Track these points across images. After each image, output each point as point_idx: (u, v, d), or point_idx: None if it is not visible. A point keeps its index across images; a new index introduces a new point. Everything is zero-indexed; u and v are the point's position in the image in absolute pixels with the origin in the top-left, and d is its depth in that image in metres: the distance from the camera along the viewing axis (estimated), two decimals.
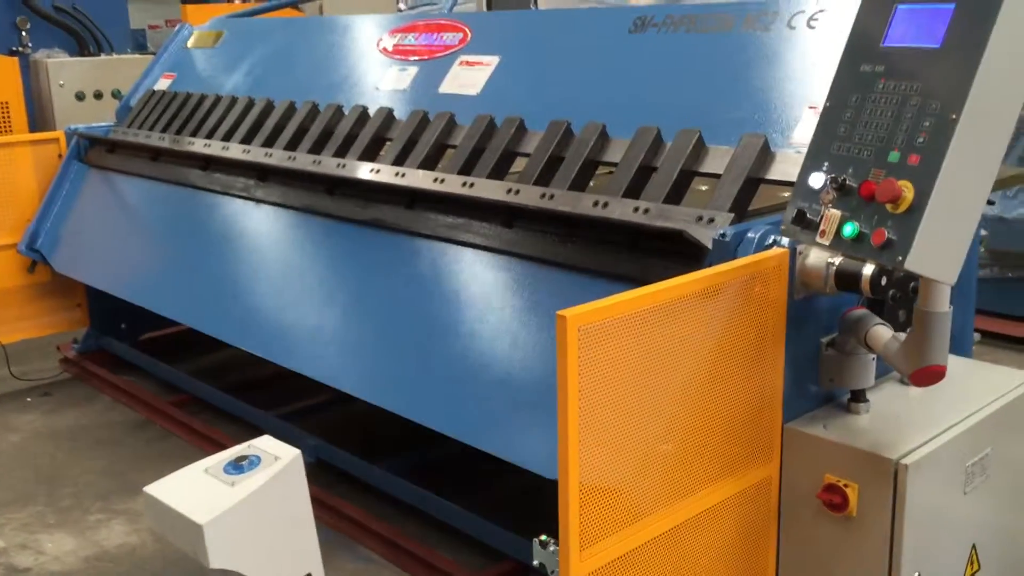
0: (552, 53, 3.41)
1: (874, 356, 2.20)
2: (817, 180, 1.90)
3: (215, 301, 3.77)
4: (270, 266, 3.68)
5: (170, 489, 2.14)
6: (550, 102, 3.19)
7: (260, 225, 3.86)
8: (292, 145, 3.88)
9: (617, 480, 1.88)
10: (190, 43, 5.10)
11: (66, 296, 4.94)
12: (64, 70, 6.28)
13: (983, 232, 2.68)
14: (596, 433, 1.81)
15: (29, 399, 4.69)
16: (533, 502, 2.17)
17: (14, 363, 4.82)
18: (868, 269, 2.03)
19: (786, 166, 2.49)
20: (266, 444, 2.23)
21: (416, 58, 3.85)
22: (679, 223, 2.50)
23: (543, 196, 2.87)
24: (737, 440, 2.12)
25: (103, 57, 6.90)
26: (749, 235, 2.24)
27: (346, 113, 3.81)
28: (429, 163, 3.35)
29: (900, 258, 1.71)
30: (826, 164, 1.90)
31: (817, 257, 2.11)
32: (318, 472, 3.54)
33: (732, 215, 2.46)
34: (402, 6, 11.47)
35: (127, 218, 4.64)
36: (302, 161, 3.74)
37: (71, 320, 5.02)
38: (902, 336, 2.06)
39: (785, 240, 2.12)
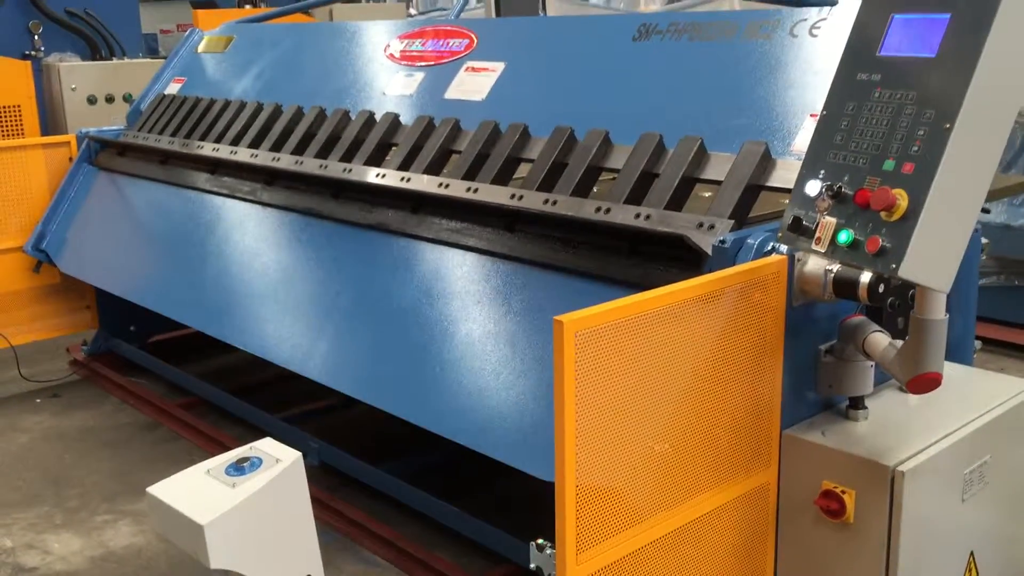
0: (556, 60, 3.43)
1: (872, 363, 2.21)
2: (813, 188, 1.92)
3: (219, 303, 3.80)
4: (275, 269, 3.71)
5: (172, 490, 2.17)
6: (554, 108, 3.21)
7: (266, 228, 3.89)
8: (299, 150, 3.92)
9: (614, 484, 1.89)
10: (201, 48, 5.14)
11: (75, 298, 4.98)
12: (76, 74, 6.34)
13: (984, 240, 2.68)
14: (593, 437, 1.83)
15: (38, 400, 4.73)
16: (535, 505, 2.18)
17: (24, 364, 4.86)
18: (866, 277, 2.04)
19: (787, 173, 2.50)
20: (267, 446, 2.25)
21: (423, 64, 3.88)
22: (680, 229, 2.51)
23: (546, 201, 2.89)
24: (735, 446, 2.13)
25: (115, 61, 6.96)
26: (748, 242, 2.26)
27: (353, 118, 3.84)
28: (434, 168, 3.38)
29: (894, 266, 1.72)
30: (822, 172, 1.91)
31: (815, 264, 2.12)
32: (322, 475, 3.57)
33: (732, 222, 2.48)
34: (413, 11, 11.53)
35: (134, 220, 4.68)
36: (309, 165, 3.77)
37: (80, 322, 5.05)
38: (900, 343, 2.07)
39: (784, 247, 2.13)
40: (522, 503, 2.71)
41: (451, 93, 3.63)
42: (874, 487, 2.07)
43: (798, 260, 2.13)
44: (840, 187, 1.86)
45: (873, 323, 2.17)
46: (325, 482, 3.58)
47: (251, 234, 3.96)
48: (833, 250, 1.87)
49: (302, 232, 3.71)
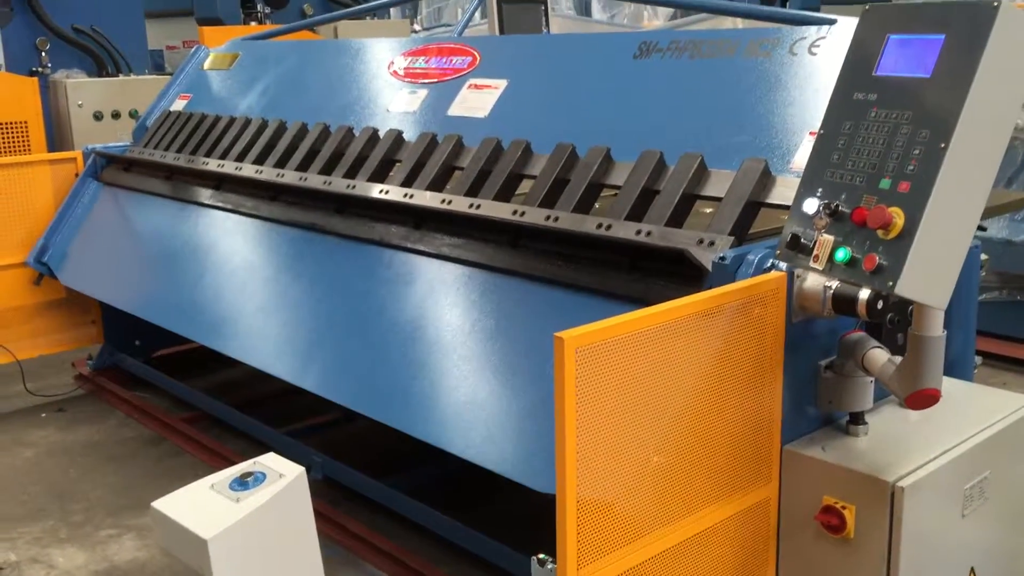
0: (558, 77, 3.47)
1: (872, 379, 2.23)
2: (811, 206, 1.94)
3: (222, 317, 3.82)
4: (278, 283, 3.73)
5: (176, 504, 2.18)
6: (556, 125, 3.24)
7: (269, 243, 3.92)
8: (303, 166, 3.95)
9: (615, 499, 1.90)
10: (206, 65, 5.19)
11: (80, 313, 5.01)
12: (82, 90, 6.38)
13: (984, 256, 2.70)
14: (594, 452, 1.84)
15: (44, 415, 4.75)
16: (536, 520, 2.19)
17: (29, 379, 4.88)
18: (864, 293, 2.06)
19: (786, 190, 2.52)
20: (271, 461, 2.27)
21: (426, 81, 3.91)
22: (681, 245, 2.54)
23: (548, 218, 2.92)
24: (736, 461, 2.14)
25: (121, 78, 7.00)
26: (749, 258, 2.28)
27: (357, 134, 3.87)
28: (437, 184, 3.40)
29: (891, 283, 1.74)
30: (820, 190, 1.93)
31: (815, 281, 2.14)
32: (325, 489, 3.58)
33: (732, 238, 2.50)
34: (417, 27, 11.61)
35: (138, 234, 4.71)
36: (313, 181, 3.80)
37: (86, 337, 5.08)
38: (898, 359, 2.08)
39: (784, 264, 2.15)
40: (523, 518, 2.72)
41: (454, 110, 3.66)
42: (874, 502, 2.08)
43: (797, 276, 2.15)
44: (837, 205, 1.88)
45: (872, 339, 2.19)
46: (328, 496, 3.59)
47: (254, 249, 3.99)
48: (831, 267, 1.89)
49: (305, 247, 3.74)
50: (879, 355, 2.13)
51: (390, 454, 3.71)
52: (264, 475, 2.19)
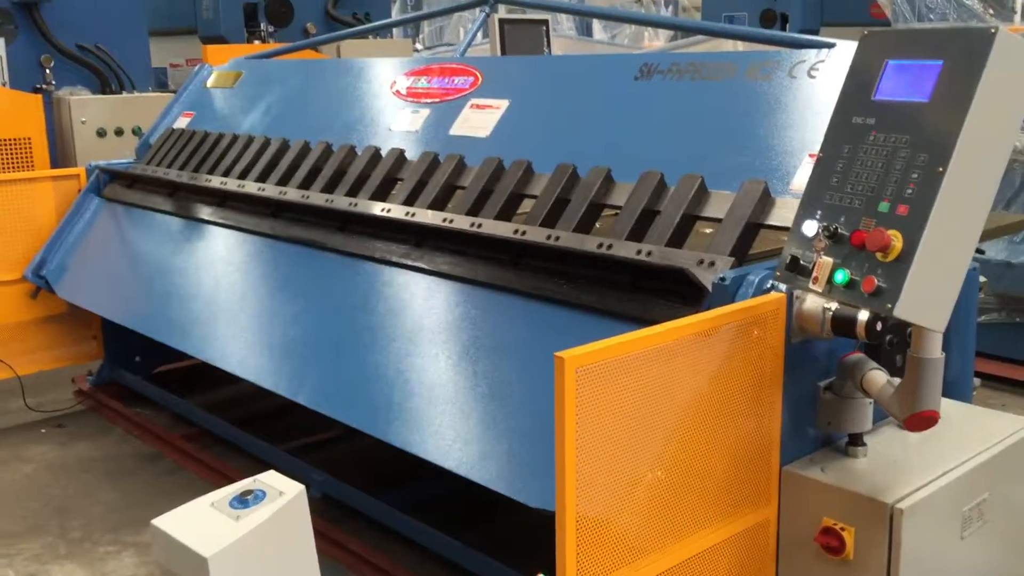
0: (560, 98, 3.49)
1: (871, 400, 2.24)
2: (810, 228, 1.96)
3: (221, 333, 3.83)
4: (278, 300, 3.74)
5: (176, 522, 2.19)
6: (557, 145, 3.26)
7: (270, 260, 3.93)
8: (306, 184, 3.97)
9: (614, 519, 1.91)
10: (209, 83, 5.22)
11: (81, 328, 5.01)
12: (86, 107, 6.41)
13: (982, 279, 2.71)
14: (593, 472, 1.85)
15: (43, 430, 4.75)
16: (535, 539, 2.20)
17: (30, 395, 4.88)
18: (863, 315, 2.07)
19: (786, 212, 2.54)
20: (271, 479, 2.27)
21: (428, 100, 3.94)
22: (681, 264, 2.55)
23: (549, 237, 2.93)
24: (735, 482, 2.15)
25: (124, 95, 7.04)
26: (749, 279, 2.29)
27: (359, 153, 3.89)
28: (438, 204, 3.42)
29: (889, 305, 1.76)
30: (819, 212, 1.95)
31: (814, 302, 2.15)
32: (324, 506, 3.58)
33: (732, 259, 2.51)
34: (419, 47, 11.68)
35: (138, 250, 4.72)
36: (315, 200, 3.82)
37: (86, 352, 5.08)
38: (897, 381, 2.09)
39: (783, 285, 2.16)
40: (523, 537, 2.72)
41: (456, 129, 3.69)
42: (873, 524, 2.09)
43: (797, 298, 2.16)
44: (836, 228, 1.90)
45: (871, 360, 2.20)
46: (328, 514, 3.58)
47: (255, 265, 4.01)
48: (830, 289, 1.90)
49: (306, 264, 3.76)
50: (878, 377, 2.14)
51: (390, 472, 3.71)
52: (264, 493, 2.20)
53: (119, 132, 6.43)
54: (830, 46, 2.81)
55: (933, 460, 2.25)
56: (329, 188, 3.85)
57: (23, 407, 4.84)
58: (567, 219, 2.98)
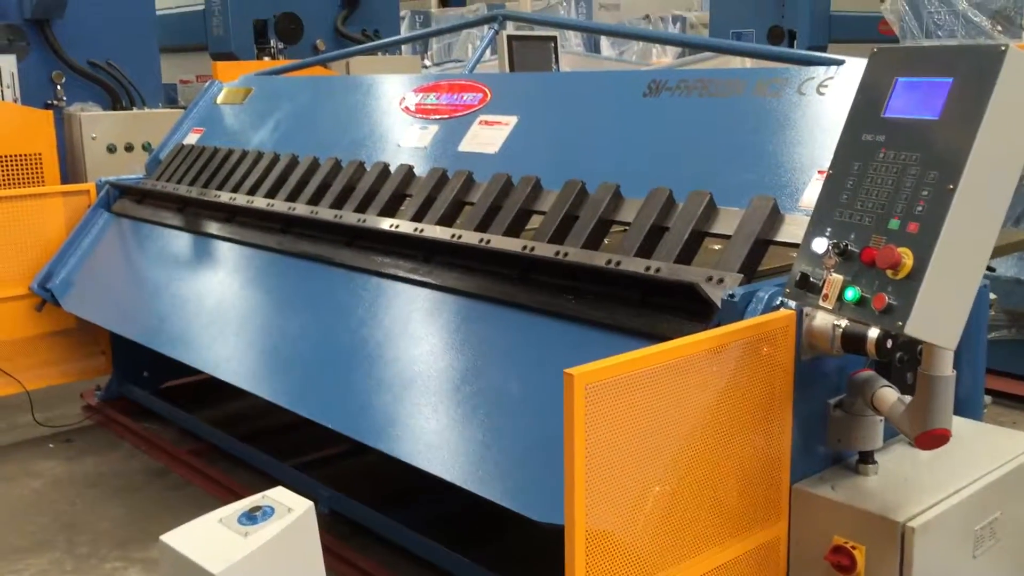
0: (568, 114, 3.50)
1: (881, 418, 2.22)
2: (820, 245, 1.96)
3: (227, 347, 3.83)
4: (286, 315, 3.74)
5: (185, 538, 2.18)
6: (566, 162, 3.27)
7: (278, 275, 3.94)
8: (315, 200, 3.98)
9: (624, 537, 1.90)
10: (219, 99, 5.25)
11: (90, 343, 5.02)
12: (97, 123, 6.44)
13: (992, 296, 2.70)
14: (603, 489, 1.84)
15: (51, 445, 4.75)
16: (546, 556, 2.19)
17: (38, 409, 4.89)
18: (874, 332, 2.07)
19: (795, 228, 2.53)
20: (280, 495, 2.27)
21: (437, 116, 3.95)
22: (691, 279, 2.55)
23: (557, 253, 2.93)
24: (745, 499, 2.14)
25: (135, 111, 7.08)
26: (758, 295, 2.29)
27: (368, 169, 3.90)
28: (447, 219, 3.43)
29: (900, 323, 1.75)
30: (829, 230, 1.95)
31: (824, 319, 2.15)
32: (332, 522, 3.57)
33: (741, 276, 2.51)
34: (427, 63, 11.73)
35: (146, 264, 4.74)
36: (324, 215, 3.83)
37: (95, 367, 5.09)
38: (908, 399, 2.08)
39: (793, 302, 2.16)
40: (533, 554, 2.71)
41: (465, 146, 3.70)
42: (884, 543, 2.07)
43: (807, 315, 2.16)
44: (846, 245, 1.89)
45: (882, 378, 2.19)
46: (336, 530, 3.57)
47: (264, 280, 4.01)
48: (840, 306, 1.89)
49: (314, 279, 3.76)
50: (889, 394, 2.13)
51: (399, 488, 3.70)
52: (272, 509, 2.19)
53: (129, 148, 6.46)
54: (839, 63, 2.81)
55: (944, 478, 2.24)
56: (338, 204, 3.86)
57: (31, 422, 4.85)
58: (576, 235, 2.98)
